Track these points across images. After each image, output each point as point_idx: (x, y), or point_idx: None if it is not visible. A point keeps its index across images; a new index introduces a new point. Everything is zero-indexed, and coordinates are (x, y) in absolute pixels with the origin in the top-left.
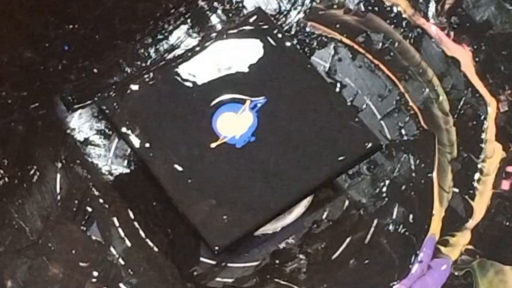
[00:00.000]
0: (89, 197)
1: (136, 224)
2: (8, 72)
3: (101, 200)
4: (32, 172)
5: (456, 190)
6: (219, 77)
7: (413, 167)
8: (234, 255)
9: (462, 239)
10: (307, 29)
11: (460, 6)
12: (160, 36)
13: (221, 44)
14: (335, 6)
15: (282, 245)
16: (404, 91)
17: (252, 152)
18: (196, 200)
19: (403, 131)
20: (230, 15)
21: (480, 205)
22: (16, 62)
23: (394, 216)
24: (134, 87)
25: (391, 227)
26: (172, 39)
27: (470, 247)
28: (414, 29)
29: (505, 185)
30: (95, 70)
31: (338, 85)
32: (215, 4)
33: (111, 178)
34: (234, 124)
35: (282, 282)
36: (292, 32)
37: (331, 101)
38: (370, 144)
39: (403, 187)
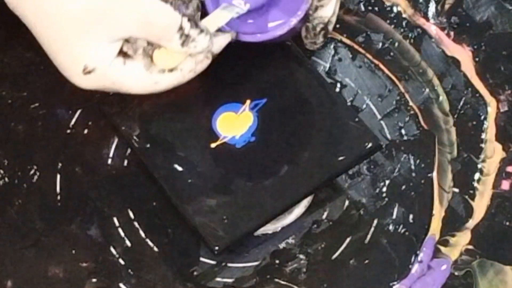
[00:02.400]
0: (89, 197)
1: (136, 224)
2: (8, 72)
3: (101, 200)
4: (32, 172)
5: (456, 190)
6: (219, 77)
7: (413, 167)
8: (234, 255)
9: (462, 239)
10: None
11: (460, 6)
12: None
13: None
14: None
15: (282, 245)
16: (404, 91)
17: (252, 152)
18: (196, 200)
19: (403, 131)
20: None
21: (480, 205)
22: (16, 62)
23: (394, 216)
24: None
25: (391, 227)
26: None
27: (470, 247)
28: (414, 29)
29: (505, 185)
30: None
31: (338, 85)
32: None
33: (111, 178)
34: (234, 124)
35: (282, 282)
36: None
37: (331, 101)
38: (370, 144)
39: (403, 187)
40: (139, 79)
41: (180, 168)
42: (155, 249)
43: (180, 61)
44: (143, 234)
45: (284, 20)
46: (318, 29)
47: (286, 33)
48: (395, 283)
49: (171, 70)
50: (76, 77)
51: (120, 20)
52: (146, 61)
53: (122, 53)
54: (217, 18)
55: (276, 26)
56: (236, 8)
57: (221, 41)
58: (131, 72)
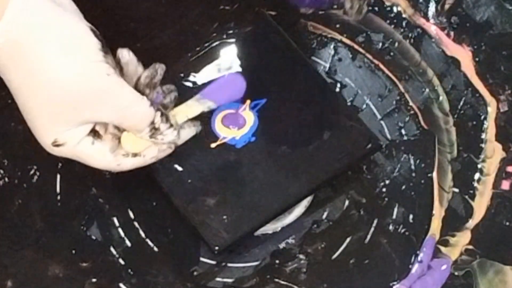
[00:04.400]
0: (89, 197)
1: (136, 224)
2: None
3: (101, 200)
4: (32, 172)
5: (456, 190)
6: (219, 77)
7: (413, 167)
8: (234, 255)
9: (462, 239)
10: (307, 29)
11: (460, 6)
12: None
13: (221, 44)
14: (335, 6)
15: (282, 245)
16: (404, 91)
17: (252, 152)
18: (196, 200)
19: (403, 131)
20: (231, 15)
21: (480, 205)
22: None
23: (394, 216)
24: None
25: (391, 227)
26: (172, 40)
27: (470, 247)
28: (414, 29)
29: (505, 185)
30: None
31: (338, 85)
32: (216, 4)
33: (111, 178)
34: None
35: (282, 282)
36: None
37: (331, 101)
38: (370, 144)
39: (403, 187)
40: (103, 159)
41: (180, 168)
42: (155, 249)
43: (145, 147)
44: (143, 234)
45: None
46: None
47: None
48: (395, 283)
49: (134, 155)
50: (47, 146)
51: (95, 109)
52: (113, 143)
53: (93, 132)
54: (188, 109)
55: None
56: (208, 102)
57: (186, 134)
58: (97, 153)
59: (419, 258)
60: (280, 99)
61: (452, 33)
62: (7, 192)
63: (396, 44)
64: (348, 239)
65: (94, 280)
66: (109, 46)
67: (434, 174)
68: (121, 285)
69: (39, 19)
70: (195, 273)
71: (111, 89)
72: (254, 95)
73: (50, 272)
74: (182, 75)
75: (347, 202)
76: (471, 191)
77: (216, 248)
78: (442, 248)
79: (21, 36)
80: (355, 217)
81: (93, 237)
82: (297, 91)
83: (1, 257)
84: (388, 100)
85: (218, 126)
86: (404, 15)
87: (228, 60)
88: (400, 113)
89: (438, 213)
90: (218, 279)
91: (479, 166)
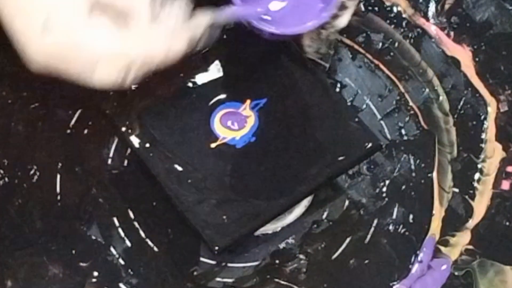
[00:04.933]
0: (89, 197)
1: (136, 224)
2: (8, 72)
3: (101, 200)
4: (32, 172)
5: (456, 190)
6: (219, 77)
7: (413, 167)
8: (234, 255)
9: (462, 239)
10: None
11: (460, 6)
12: None
13: (221, 44)
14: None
15: (282, 245)
16: (404, 91)
17: (252, 152)
18: (196, 200)
19: (403, 131)
20: None
21: (480, 205)
22: (16, 62)
23: (394, 216)
24: (134, 86)
25: (391, 227)
26: None
27: (470, 247)
28: (414, 29)
29: (505, 185)
30: None
31: (338, 85)
32: (215, 4)
33: (111, 178)
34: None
35: (282, 282)
36: None
37: (331, 101)
38: (370, 144)
39: (403, 187)
40: (106, 37)
41: (180, 168)
42: (155, 249)
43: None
44: (143, 234)
45: (303, 22)
46: (329, 37)
47: (297, 34)
48: (395, 283)
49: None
50: (33, 40)
51: None
52: (115, 20)
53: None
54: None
55: (298, 25)
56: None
57: (201, 21)
58: (98, 29)
59: (419, 258)
60: (281, 99)
61: (452, 33)
62: (7, 192)
63: (396, 44)
64: (348, 239)
65: (94, 280)
66: None
67: (434, 174)
68: (121, 285)
69: None
70: (195, 273)
71: None
72: (254, 95)
73: (50, 272)
74: (182, 75)
75: (347, 202)
76: (471, 191)
77: (216, 248)
78: (442, 248)
79: None
80: (355, 217)
81: (93, 237)
82: (297, 91)
83: (1, 257)
84: (388, 100)
85: (217, 127)
86: (404, 15)
87: (228, 60)
88: (400, 113)
89: (438, 213)
90: (218, 279)
91: (479, 166)
